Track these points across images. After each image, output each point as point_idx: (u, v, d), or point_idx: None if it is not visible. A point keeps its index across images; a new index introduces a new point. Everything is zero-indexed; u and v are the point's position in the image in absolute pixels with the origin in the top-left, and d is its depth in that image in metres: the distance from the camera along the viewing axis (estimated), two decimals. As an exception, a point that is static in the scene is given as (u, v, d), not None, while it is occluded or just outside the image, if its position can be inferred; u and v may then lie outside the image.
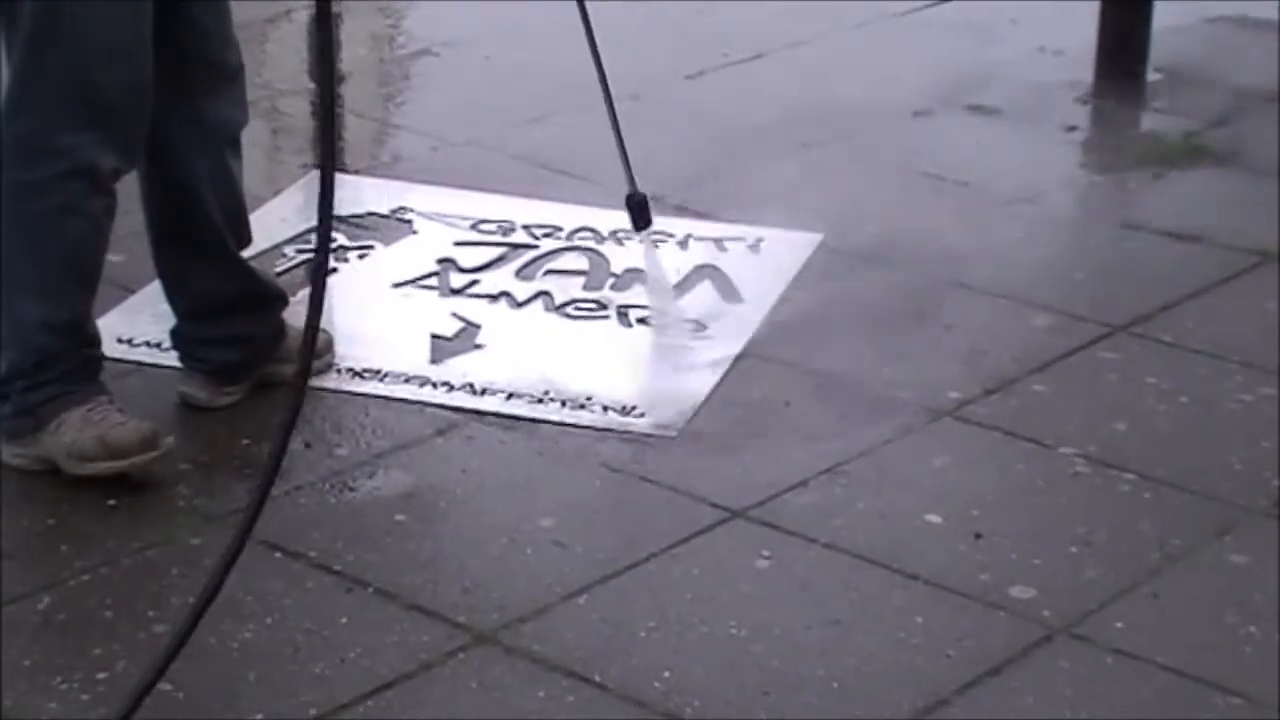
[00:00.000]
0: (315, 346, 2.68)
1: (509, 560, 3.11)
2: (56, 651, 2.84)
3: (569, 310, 3.95)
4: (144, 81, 3.17)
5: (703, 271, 4.12)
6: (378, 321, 3.89)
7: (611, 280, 4.08)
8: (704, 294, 4.03)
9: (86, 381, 3.30)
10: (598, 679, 2.81)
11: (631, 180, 4.02)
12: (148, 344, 3.71)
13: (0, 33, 3.16)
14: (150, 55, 3.16)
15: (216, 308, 3.51)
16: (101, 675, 2.78)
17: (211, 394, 3.52)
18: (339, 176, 4.55)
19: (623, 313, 3.94)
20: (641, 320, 3.91)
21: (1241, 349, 3.83)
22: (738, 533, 3.20)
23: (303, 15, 5.61)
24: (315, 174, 4.57)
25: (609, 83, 3.98)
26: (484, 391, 3.62)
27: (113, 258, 3.93)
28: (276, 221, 4.26)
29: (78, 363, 3.30)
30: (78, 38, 3.10)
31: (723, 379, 3.69)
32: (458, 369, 3.70)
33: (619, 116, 4.04)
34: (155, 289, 3.66)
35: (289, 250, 4.14)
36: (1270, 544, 3.19)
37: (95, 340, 3.36)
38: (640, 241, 4.10)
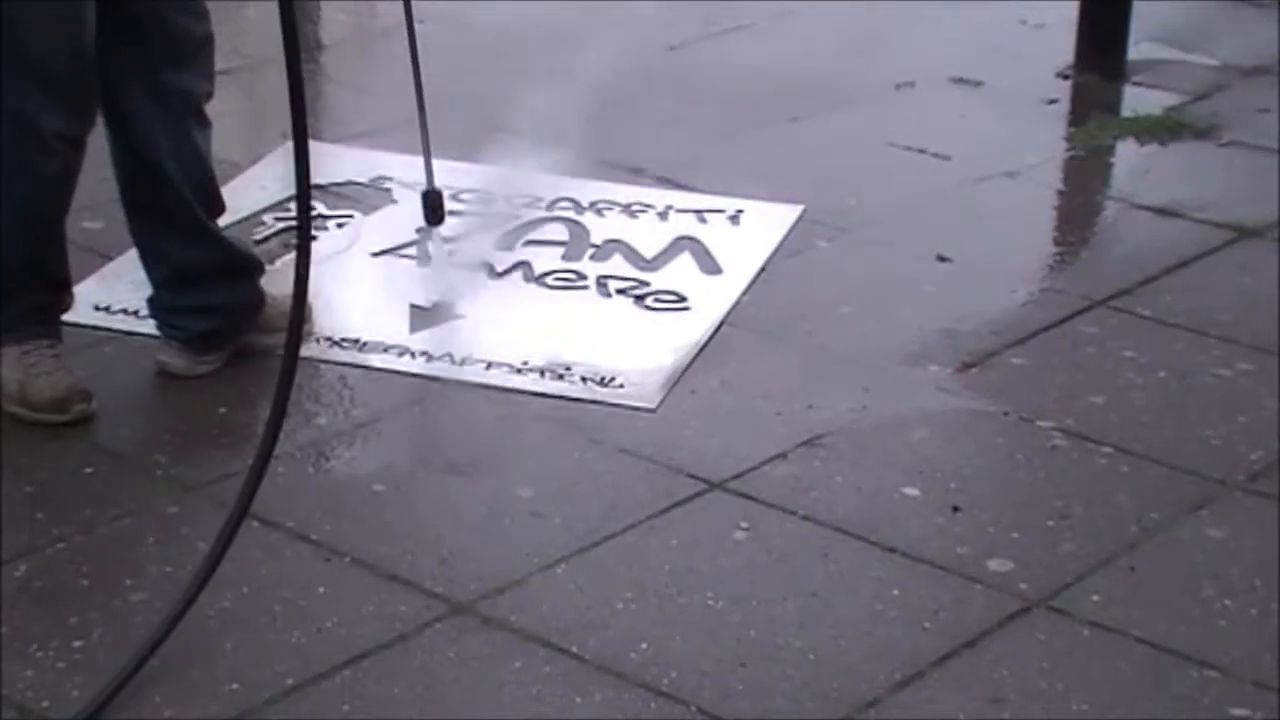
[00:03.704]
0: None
1: (487, 531, 3.11)
2: (33, 620, 2.83)
3: (548, 280, 3.94)
4: (82, 49, 3.18)
5: (683, 243, 4.12)
6: (357, 290, 3.88)
7: (591, 251, 4.07)
8: (684, 265, 4.03)
9: (34, 324, 3.37)
10: (575, 650, 2.81)
11: (430, 177, 3.84)
12: (125, 311, 3.70)
13: None
14: (89, 25, 3.17)
15: (190, 276, 3.50)
16: (78, 644, 2.78)
17: (189, 362, 3.52)
18: (316, 144, 4.57)
19: (602, 283, 3.94)
20: (621, 291, 3.91)
21: (1219, 324, 3.84)
22: (716, 504, 3.20)
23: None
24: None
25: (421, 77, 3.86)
26: (463, 361, 3.62)
27: (91, 225, 3.94)
28: (256, 189, 4.25)
29: (25, 305, 3.36)
30: (14, 11, 3.12)
31: (702, 350, 3.69)
32: (437, 339, 3.69)
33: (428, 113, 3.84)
34: (133, 256, 3.65)
35: (268, 218, 4.13)
36: (1246, 518, 3.20)
37: (54, 286, 3.39)
38: (430, 238, 3.97)
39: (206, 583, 2.77)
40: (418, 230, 4.12)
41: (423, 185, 4.27)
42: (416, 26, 3.85)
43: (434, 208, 3.89)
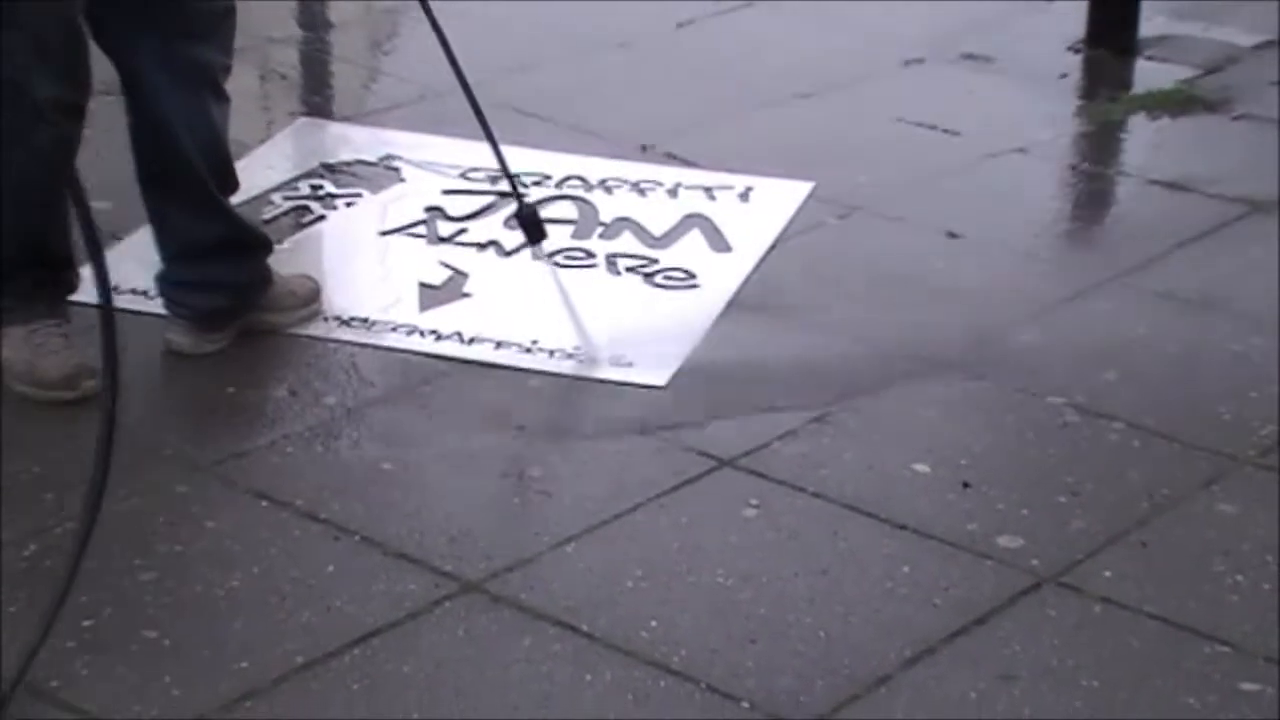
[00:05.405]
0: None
1: (496, 509, 3.11)
2: (42, 599, 2.82)
3: (557, 259, 3.93)
4: (74, 18, 3.17)
5: (692, 220, 4.11)
6: (365, 269, 3.88)
7: (600, 229, 4.06)
8: (693, 243, 4.02)
9: (38, 302, 3.35)
10: (585, 628, 2.81)
11: (516, 191, 3.75)
12: (133, 291, 3.69)
13: None
14: None
15: (199, 251, 3.50)
16: (87, 622, 2.78)
17: (196, 341, 3.51)
18: (325, 123, 4.57)
19: (611, 261, 3.93)
20: (630, 269, 3.90)
21: (1231, 298, 3.83)
22: (725, 482, 3.19)
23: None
24: (304, 121, 4.58)
25: (470, 85, 3.73)
26: (472, 340, 3.61)
27: (99, 205, 3.88)
28: (264, 169, 4.24)
29: (29, 284, 3.34)
30: None
31: (711, 328, 3.68)
32: (446, 318, 3.69)
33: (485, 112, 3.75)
34: (141, 237, 3.65)
35: (276, 198, 4.13)
36: (1258, 493, 3.19)
37: (58, 264, 3.38)
38: (538, 259, 3.82)
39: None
40: (426, 209, 4.12)
41: (434, 165, 4.28)
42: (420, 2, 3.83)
43: (532, 225, 3.73)
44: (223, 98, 3.42)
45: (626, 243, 4.01)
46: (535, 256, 3.87)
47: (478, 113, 3.69)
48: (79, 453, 3.19)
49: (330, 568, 2.93)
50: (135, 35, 3.29)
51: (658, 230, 4.06)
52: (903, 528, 3.07)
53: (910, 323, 3.71)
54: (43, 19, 3.14)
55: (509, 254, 3.96)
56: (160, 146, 3.40)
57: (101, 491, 2.54)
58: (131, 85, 3.37)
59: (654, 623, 2.82)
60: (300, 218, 4.06)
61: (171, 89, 3.34)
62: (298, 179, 4.22)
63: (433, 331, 3.64)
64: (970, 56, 5.09)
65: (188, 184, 3.43)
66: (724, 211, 4.15)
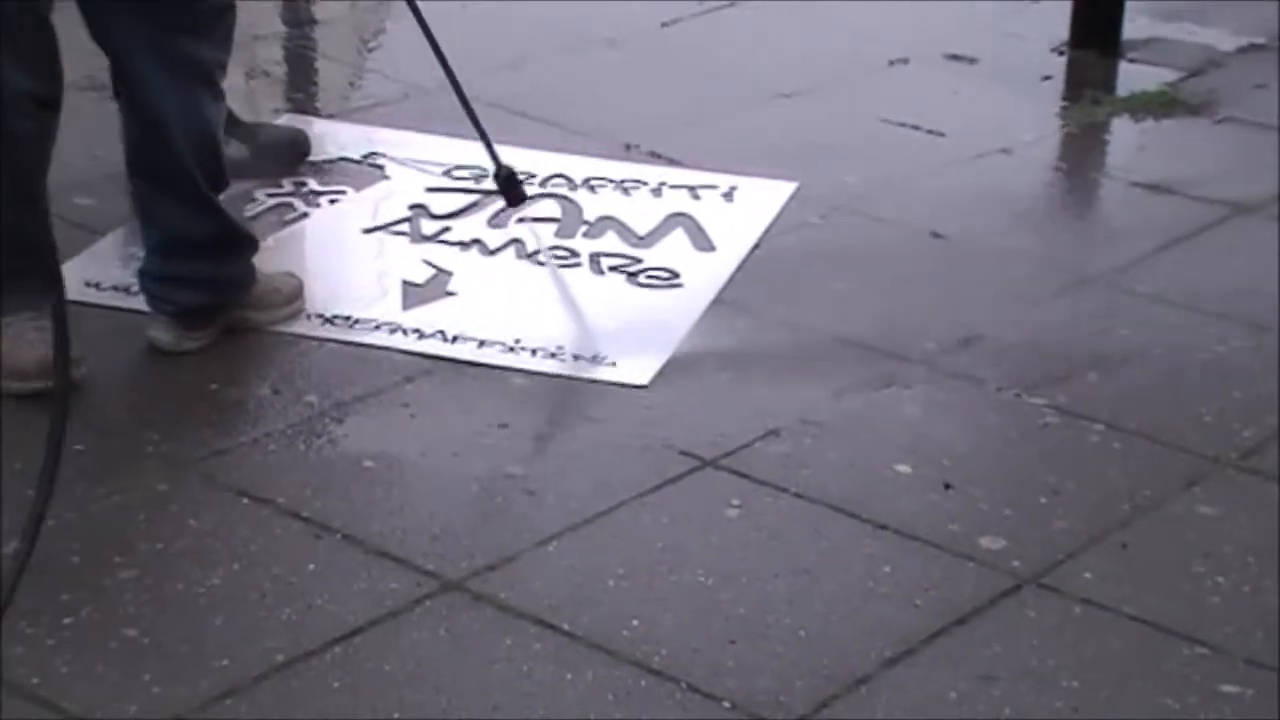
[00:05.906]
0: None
1: (478, 508, 3.11)
2: (23, 596, 2.81)
3: (541, 258, 3.93)
4: (44, 13, 3.18)
5: (676, 220, 4.11)
6: (348, 267, 3.88)
7: (584, 228, 4.06)
8: (677, 242, 4.02)
9: (15, 295, 3.32)
10: (566, 627, 2.80)
11: (495, 158, 3.91)
12: (115, 288, 3.69)
13: None
14: None
15: (184, 246, 3.48)
16: (67, 620, 2.78)
17: (177, 337, 3.50)
18: (309, 120, 4.57)
19: (595, 260, 3.93)
20: (614, 268, 3.90)
21: (1214, 300, 3.83)
22: (708, 482, 3.19)
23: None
24: (289, 118, 4.57)
25: (451, 67, 3.90)
26: (455, 339, 3.61)
27: (82, 201, 3.94)
28: (248, 166, 4.23)
29: (5, 277, 3.31)
30: None
31: (694, 328, 3.68)
32: (429, 316, 3.69)
33: (469, 97, 3.95)
34: (124, 233, 3.65)
35: (259, 194, 4.12)
36: (1238, 495, 3.20)
37: (33, 258, 3.35)
38: (518, 220, 3.98)
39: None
40: (410, 207, 4.12)
41: (419, 163, 4.28)
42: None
43: (509, 185, 3.89)
44: (218, 95, 3.42)
45: (610, 242, 4.01)
46: (533, 260, 3.88)
47: (456, 88, 3.77)
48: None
49: (311, 566, 2.93)
50: (133, 30, 3.29)
51: (641, 229, 4.06)
52: (884, 528, 3.07)
53: (893, 323, 3.71)
54: (14, 15, 3.14)
55: (493, 253, 3.95)
56: (152, 140, 3.39)
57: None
58: (127, 80, 3.36)
59: (635, 622, 2.82)
60: (284, 215, 4.05)
61: (167, 85, 3.33)
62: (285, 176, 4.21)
63: (415, 330, 3.63)
64: (954, 57, 5.10)
65: (180, 180, 3.42)
66: (708, 211, 4.15)
